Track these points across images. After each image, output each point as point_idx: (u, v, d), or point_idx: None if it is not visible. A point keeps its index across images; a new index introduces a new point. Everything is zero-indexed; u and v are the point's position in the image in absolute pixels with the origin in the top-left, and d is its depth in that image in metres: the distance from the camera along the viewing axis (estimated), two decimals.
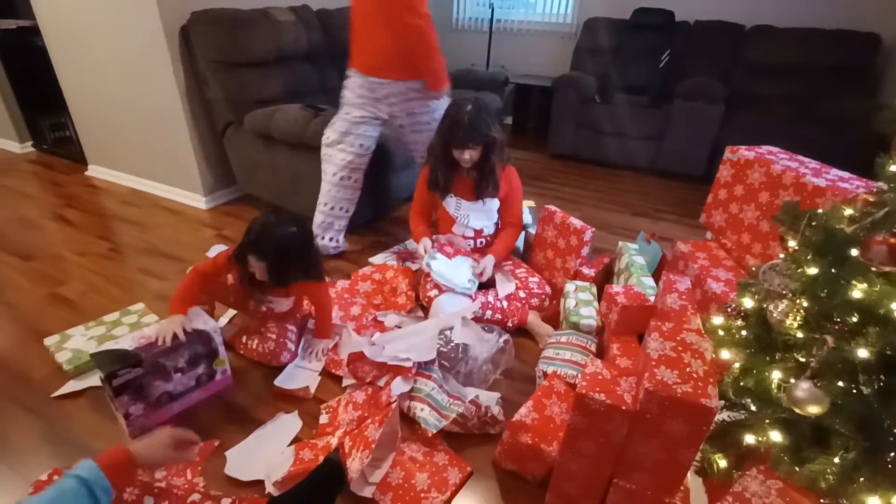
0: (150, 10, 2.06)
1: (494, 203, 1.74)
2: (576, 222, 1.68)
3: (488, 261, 1.67)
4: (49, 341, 1.48)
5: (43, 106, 3.11)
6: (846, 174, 1.31)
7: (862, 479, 0.68)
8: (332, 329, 1.52)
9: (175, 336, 1.19)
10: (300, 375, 1.41)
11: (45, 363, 1.41)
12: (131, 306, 1.66)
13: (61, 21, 2.44)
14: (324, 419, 1.25)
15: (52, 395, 1.30)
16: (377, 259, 2.04)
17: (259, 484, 1.09)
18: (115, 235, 2.21)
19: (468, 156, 1.59)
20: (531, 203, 2.08)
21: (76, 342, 1.47)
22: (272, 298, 1.46)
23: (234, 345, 1.47)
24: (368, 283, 1.81)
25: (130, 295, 1.76)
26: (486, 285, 1.71)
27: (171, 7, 2.08)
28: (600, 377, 0.90)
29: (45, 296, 1.74)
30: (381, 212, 2.41)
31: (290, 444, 1.19)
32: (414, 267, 1.97)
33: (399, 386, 1.25)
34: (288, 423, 1.26)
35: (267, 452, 1.16)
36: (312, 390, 1.36)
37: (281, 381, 1.37)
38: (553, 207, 1.80)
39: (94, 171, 2.88)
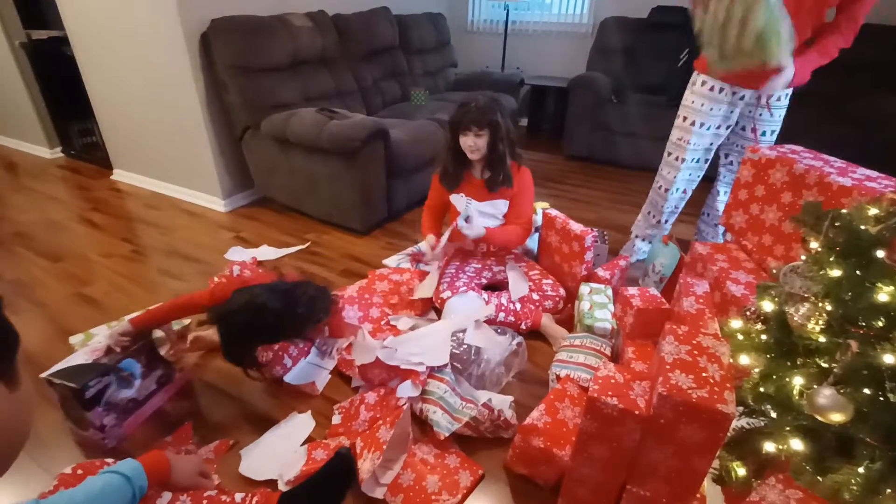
0: (171, 19, 2.12)
1: (504, 204, 1.73)
2: (575, 227, 1.63)
3: (477, 227, 1.61)
4: (74, 339, 1.53)
5: (72, 113, 3.23)
6: (874, 173, 1.26)
7: (889, 490, 0.65)
8: (346, 328, 1.53)
9: (124, 341, 1.21)
10: (311, 372, 1.42)
11: None
12: (151, 307, 1.70)
13: (89, 31, 2.53)
14: (336, 420, 1.26)
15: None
16: (391, 261, 2.04)
17: (272, 483, 1.11)
18: (137, 238, 2.27)
19: (473, 142, 1.57)
20: (545, 204, 2.07)
21: (99, 341, 1.51)
22: None
23: None
24: (385, 282, 1.82)
25: (151, 295, 1.81)
26: (500, 287, 1.69)
27: (191, 15, 2.14)
28: (613, 381, 0.88)
29: (72, 295, 1.80)
30: (394, 214, 2.43)
31: (303, 444, 1.20)
32: (428, 269, 1.97)
33: (407, 389, 1.25)
34: (301, 423, 1.27)
35: (280, 452, 1.18)
36: (320, 388, 1.38)
37: (290, 378, 1.39)
38: (554, 212, 1.76)
39: (119, 175, 2.98)
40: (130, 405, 1.23)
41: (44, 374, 1.12)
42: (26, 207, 2.57)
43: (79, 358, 1.17)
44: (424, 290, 1.73)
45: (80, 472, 1.04)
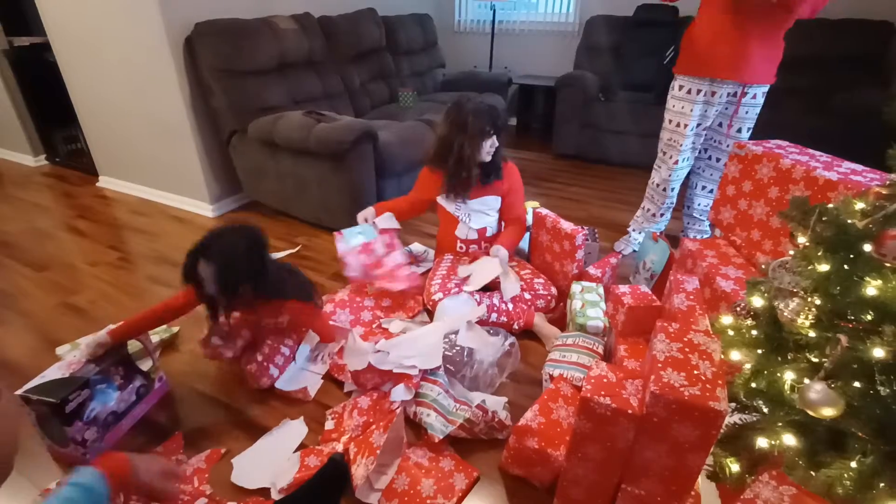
0: (154, 23, 2.09)
1: (496, 201, 1.73)
2: (566, 226, 1.63)
3: (500, 251, 1.67)
4: (61, 350, 1.50)
5: (55, 120, 3.18)
6: (859, 167, 1.27)
7: (882, 484, 0.65)
8: (334, 332, 1.51)
9: (100, 352, 1.19)
10: (302, 378, 1.41)
11: None
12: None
13: (71, 37, 2.49)
14: (329, 425, 1.25)
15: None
16: None
17: (265, 492, 1.09)
18: (125, 245, 2.24)
19: (492, 142, 1.61)
20: (535, 203, 2.07)
21: (75, 354, 1.47)
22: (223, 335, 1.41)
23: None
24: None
25: (140, 303, 1.78)
26: (491, 287, 1.68)
27: (175, 19, 2.11)
28: (605, 380, 0.88)
29: (58, 305, 1.77)
30: None
31: (295, 451, 1.18)
32: (419, 271, 1.96)
33: (400, 393, 1.24)
34: (294, 430, 1.25)
35: (273, 459, 1.16)
36: (312, 393, 1.36)
37: (281, 384, 1.38)
38: (544, 211, 1.77)
39: (105, 182, 2.93)
40: (111, 418, 1.19)
41: (19, 392, 1.07)
42: (10, 216, 2.52)
43: (53, 373, 1.13)
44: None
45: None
